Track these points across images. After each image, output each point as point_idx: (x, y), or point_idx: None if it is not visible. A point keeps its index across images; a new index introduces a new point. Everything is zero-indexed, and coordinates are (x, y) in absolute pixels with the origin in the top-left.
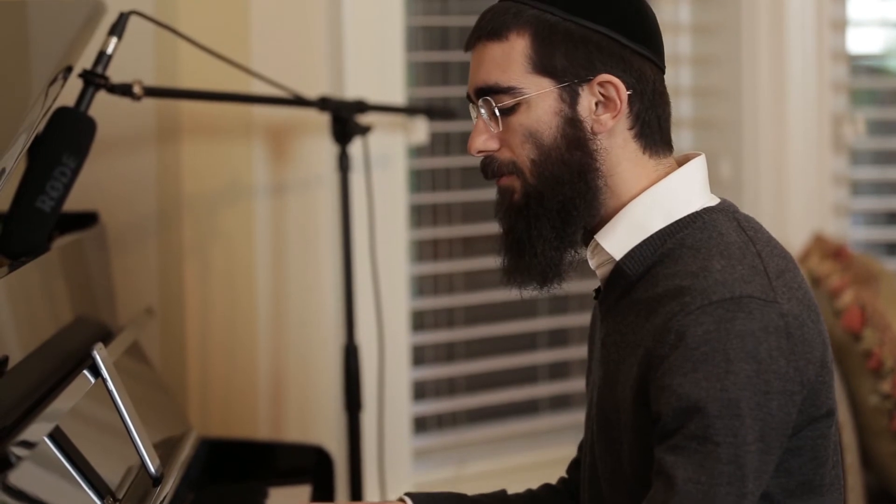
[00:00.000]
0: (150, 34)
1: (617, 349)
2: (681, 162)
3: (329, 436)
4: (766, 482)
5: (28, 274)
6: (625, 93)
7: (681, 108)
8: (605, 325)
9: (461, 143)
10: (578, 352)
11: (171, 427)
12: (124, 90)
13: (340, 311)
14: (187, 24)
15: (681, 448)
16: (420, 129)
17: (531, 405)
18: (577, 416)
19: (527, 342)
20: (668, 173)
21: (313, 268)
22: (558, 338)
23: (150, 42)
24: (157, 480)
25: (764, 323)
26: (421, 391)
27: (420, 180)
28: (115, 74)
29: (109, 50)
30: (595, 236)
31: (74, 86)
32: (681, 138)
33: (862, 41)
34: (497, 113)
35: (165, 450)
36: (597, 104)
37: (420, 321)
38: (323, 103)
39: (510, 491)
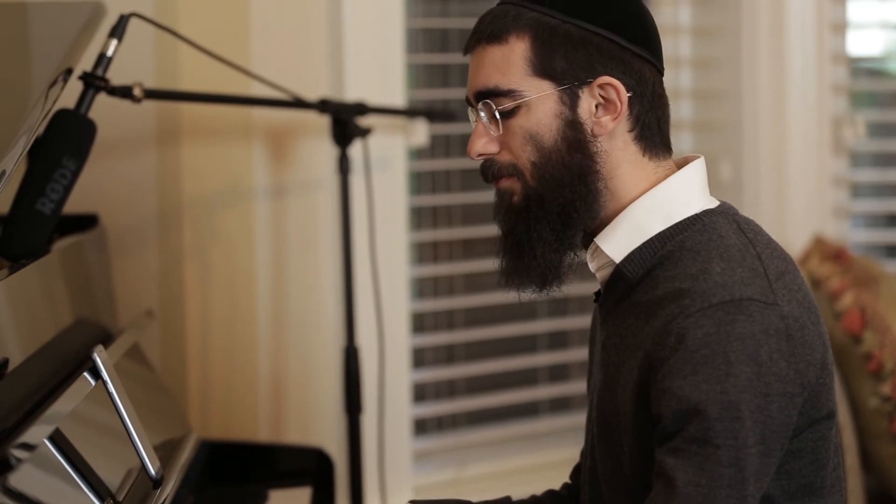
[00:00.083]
0: (150, 36)
1: (617, 352)
2: (680, 164)
3: (329, 438)
4: (766, 484)
5: (28, 276)
6: (625, 95)
7: (681, 110)
8: (606, 328)
9: (461, 145)
10: (578, 354)
11: (172, 429)
12: (124, 92)
13: (340, 313)
14: (187, 26)
15: (681, 451)
16: (420, 132)
17: (531, 407)
18: (577, 419)
19: (527, 344)
20: (667, 176)
21: (313, 270)
22: (558, 340)
23: (150, 44)
24: (157, 482)
25: (764, 325)
26: (421, 393)
27: (420, 182)
28: (116, 77)
29: (110, 52)
30: (595, 239)
31: (75, 88)
32: (681, 140)
33: (862, 43)
34: (497, 116)
35: (165, 452)
36: (597, 106)
37: (420, 323)
38: (323, 105)
39: (513, 495)
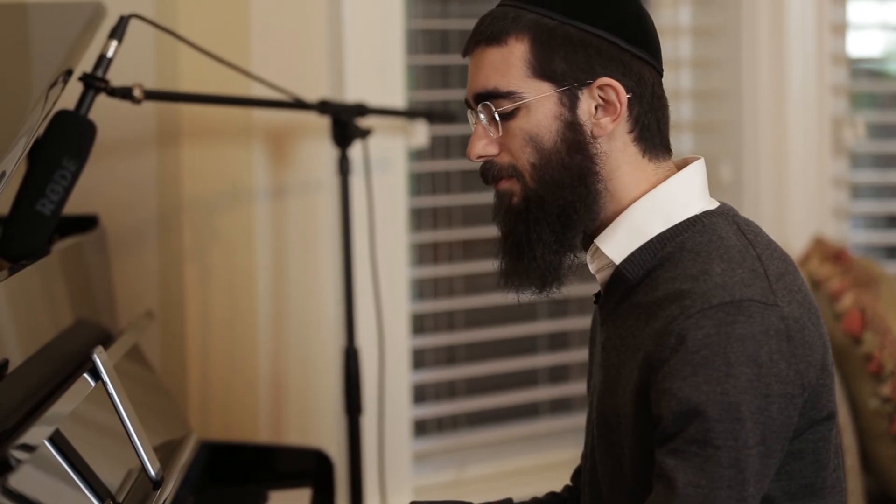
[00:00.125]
0: (150, 37)
1: (617, 353)
2: (680, 166)
3: (329, 439)
4: (766, 485)
5: (28, 277)
6: (624, 96)
7: (681, 111)
8: (606, 329)
9: (461, 146)
10: (578, 355)
11: (172, 430)
12: (124, 93)
13: (340, 315)
14: (187, 27)
15: (681, 452)
16: (420, 133)
17: (531, 408)
18: (577, 420)
19: (527, 345)
20: (667, 177)
21: (313, 271)
22: (558, 341)
23: (150, 45)
24: (157, 483)
25: (764, 326)
26: (421, 394)
27: (420, 184)
28: (116, 78)
29: (110, 53)
30: (595, 240)
31: (75, 89)
32: (681, 141)
33: (862, 44)
34: (497, 118)
35: (165, 453)
36: (596, 108)
37: (420, 324)
38: (323, 106)
39: (513, 496)
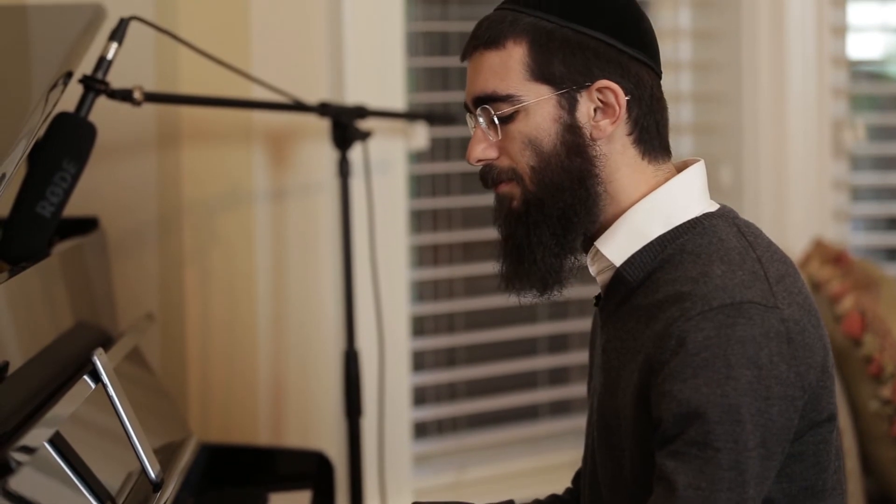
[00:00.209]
0: (150, 40)
1: (618, 355)
2: (680, 168)
3: (329, 441)
4: (767, 488)
5: (28, 279)
6: (623, 98)
7: (681, 113)
8: (606, 332)
9: (461, 148)
10: (578, 357)
11: (172, 432)
12: (125, 96)
13: (341, 317)
14: (187, 29)
15: (681, 454)
16: (420, 135)
17: (531, 410)
18: (577, 422)
19: (527, 347)
20: (667, 179)
21: (313, 273)
22: (558, 343)
23: (150, 47)
24: (157, 486)
25: (765, 328)
26: (421, 396)
27: (420, 186)
28: (116, 80)
29: (110, 55)
30: (595, 243)
31: (75, 91)
32: (681, 144)
33: (862, 47)
34: (496, 121)
35: (166, 455)
36: (595, 110)
37: (420, 326)
38: (323, 108)
39: (514, 498)
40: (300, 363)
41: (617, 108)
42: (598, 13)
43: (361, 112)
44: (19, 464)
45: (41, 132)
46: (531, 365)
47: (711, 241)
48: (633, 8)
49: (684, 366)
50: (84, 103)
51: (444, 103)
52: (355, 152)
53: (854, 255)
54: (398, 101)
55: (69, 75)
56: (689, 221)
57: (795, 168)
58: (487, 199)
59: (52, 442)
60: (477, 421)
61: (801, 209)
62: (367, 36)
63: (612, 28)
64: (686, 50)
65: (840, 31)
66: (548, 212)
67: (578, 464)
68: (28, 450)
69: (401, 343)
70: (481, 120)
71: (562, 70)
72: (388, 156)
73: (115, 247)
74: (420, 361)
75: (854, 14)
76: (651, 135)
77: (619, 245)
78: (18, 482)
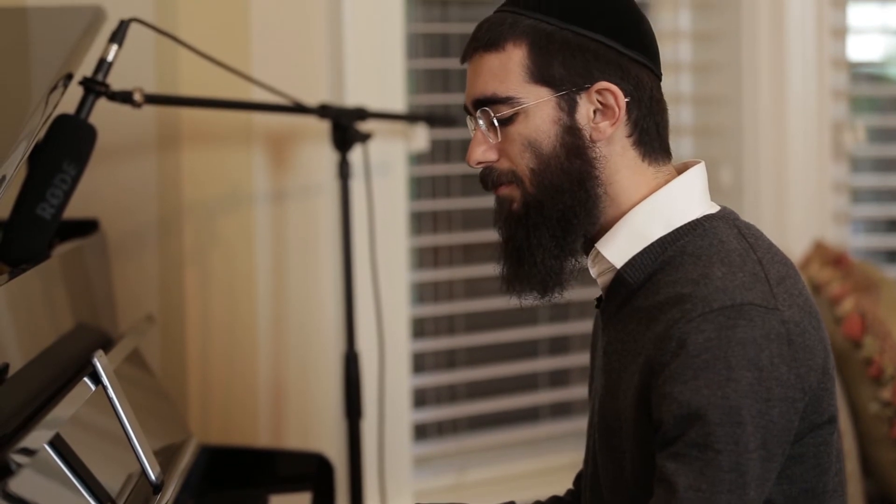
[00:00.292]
0: (150, 41)
1: (619, 357)
2: (680, 170)
3: (329, 443)
4: (768, 489)
5: (28, 281)
6: (623, 100)
7: (681, 115)
8: (607, 334)
9: (461, 150)
10: (579, 359)
11: (172, 434)
12: (125, 97)
13: (341, 319)
14: (188, 31)
15: (682, 456)
16: (420, 137)
17: (532, 412)
18: (578, 424)
19: (527, 349)
20: (667, 181)
21: (313, 275)
22: (559, 345)
23: (150, 49)
24: (157, 488)
25: (765, 330)
26: (421, 398)
27: (420, 187)
28: (116, 82)
29: (110, 57)
30: (596, 245)
31: (75, 93)
32: (681, 145)
33: (862, 48)
34: (495, 123)
35: (166, 457)
36: (595, 112)
37: (420, 328)
38: (323, 110)
39: (517, 501)
40: (300, 365)
41: (616, 109)
42: (597, 15)
43: (361, 114)
44: (19, 466)
45: (41, 134)
46: (532, 367)
47: (712, 242)
48: (633, 10)
49: (685, 368)
50: (84, 105)
51: (444, 105)
52: (355, 154)
53: (854, 256)
54: (398, 103)
55: (69, 77)
56: (689, 223)
57: (795, 170)
58: (487, 201)
59: (52, 444)
60: (477, 423)
61: (801, 211)
62: (367, 37)
63: (611, 30)
64: (686, 51)
65: (840, 32)
66: (547, 214)
67: (579, 466)
68: (28, 452)
69: (401, 344)
70: (481, 122)
71: (561, 72)
72: (389, 157)
73: (116, 248)
74: (420, 363)
75: (854, 16)
76: (651, 136)
77: (619, 247)
78: (19, 484)
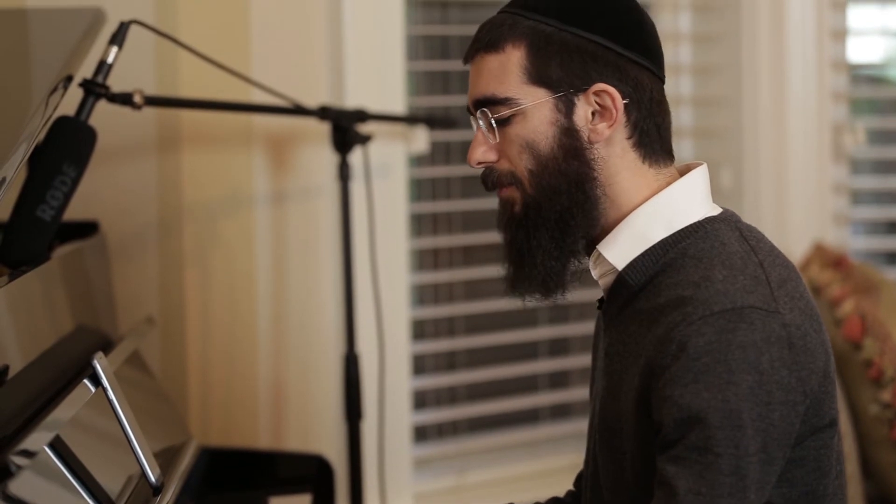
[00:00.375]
0: (150, 43)
1: (620, 359)
2: (682, 171)
3: (329, 445)
4: (768, 493)
5: (28, 283)
6: (620, 102)
7: (681, 117)
8: (608, 336)
9: (461, 152)
10: (579, 361)
11: (172, 436)
12: (125, 99)
13: (341, 320)
14: (188, 33)
15: (682, 459)
16: (420, 138)
17: (532, 414)
18: (578, 426)
19: (527, 351)
20: (669, 183)
21: (314, 277)
22: (559, 347)
23: (150, 51)
24: (157, 489)
25: (766, 333)
26: (421, 400)
27: (420, 189)
28: (116, 83)
29: (110, 59)
30: (597, 246)
31: (75, 95)
32: (681, 147)
33: (862, 50)
34: (494, 124)
35: (166, 459)
36: (593, 113)
37: (420, 330)
38: (323, 112)
39: (515, 502)
40: (300, 366)
41: (614, 111)
42: (597, 16)
43: (361, 116)
44: (19, 467)
45: (41, 136)
46: (532, 368)
47: (713, 245)
48: (635, 11)
49: (685, 370)
50: (84, 107)
51: (444, 107)
52: (355, 156)
53: (854, 258)
54: (398, 105)
55: (69, 79)
56: (691, 225)
57: (795, 171)
58: (487, 203)
59: (52, 446)
60: (477, 424)
61: (801, 213)
62: (367, 39)
63: (611, 31)
64: (686, 53)
65: (840, 34)
66: (545, 215)
67: (579, 467)
68: (28, 453)
69: (401, 346)
70: (481, 123)
71: (559, 73)
72: (389, 159)
73: (116, 250)
74: (420, 365)
75: (854, 18)
76: (651, 138)
77: (620, 249)
78: (19, 486)
